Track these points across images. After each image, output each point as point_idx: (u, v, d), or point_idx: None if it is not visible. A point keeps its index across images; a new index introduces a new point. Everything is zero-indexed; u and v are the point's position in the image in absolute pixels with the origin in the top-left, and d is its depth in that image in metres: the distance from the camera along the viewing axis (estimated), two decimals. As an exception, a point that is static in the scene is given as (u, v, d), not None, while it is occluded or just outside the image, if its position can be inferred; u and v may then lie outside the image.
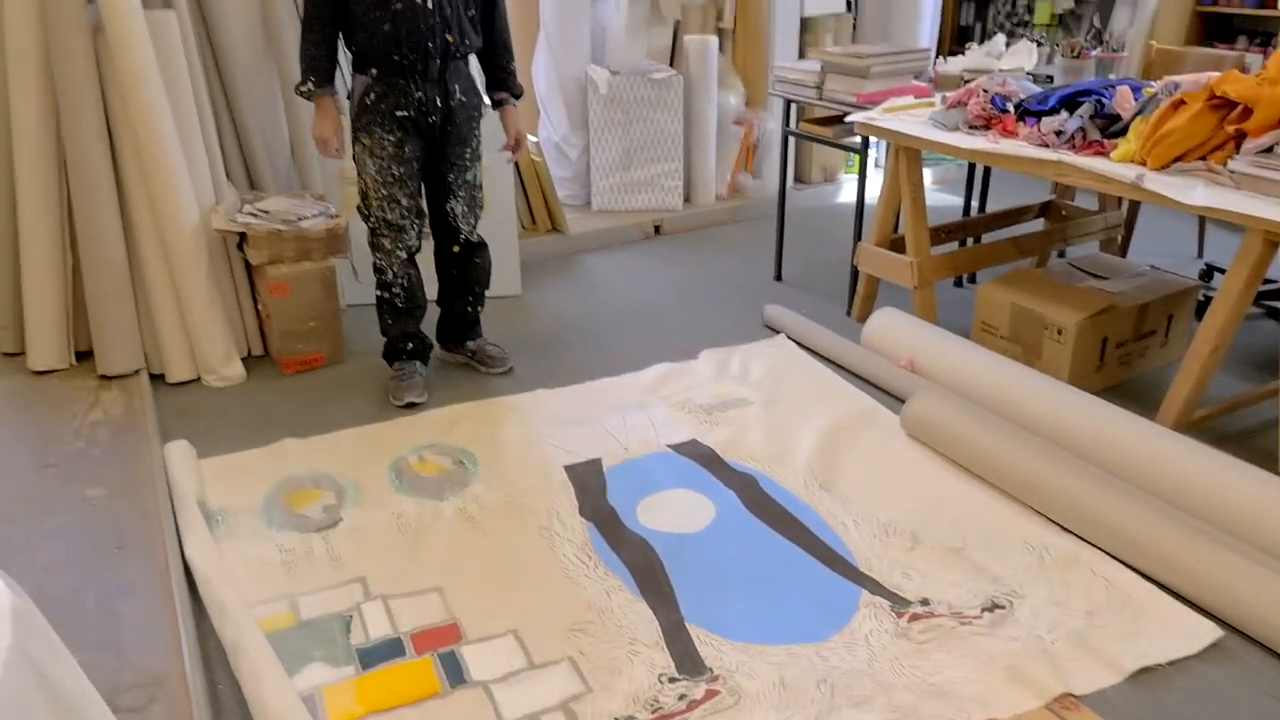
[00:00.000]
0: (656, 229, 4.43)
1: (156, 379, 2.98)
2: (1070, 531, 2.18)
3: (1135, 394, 2.87)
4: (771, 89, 3.73)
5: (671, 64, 4.54)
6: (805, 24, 4.70)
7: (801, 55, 4.64)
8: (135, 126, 2.80)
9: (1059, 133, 2.60)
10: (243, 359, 3.09)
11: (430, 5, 2.54)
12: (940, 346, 2.89)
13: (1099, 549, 2.11)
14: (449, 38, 2.60)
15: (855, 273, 3.44)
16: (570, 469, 2.49)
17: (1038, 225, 3.74)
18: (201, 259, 2.93)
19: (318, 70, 2.62)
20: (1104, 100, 2.59)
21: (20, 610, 0.88)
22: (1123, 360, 2.95)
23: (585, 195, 4.52)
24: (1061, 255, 3.91)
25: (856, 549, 2.17)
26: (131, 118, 2.79)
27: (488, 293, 3.05)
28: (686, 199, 4.59)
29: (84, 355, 3.02)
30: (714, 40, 4.43)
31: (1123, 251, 3.72)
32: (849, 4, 4.96)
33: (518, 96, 2.89)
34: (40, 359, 2.96)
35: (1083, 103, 2.62)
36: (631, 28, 4.39)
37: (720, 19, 4.64)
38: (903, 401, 2.69)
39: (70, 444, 2.57)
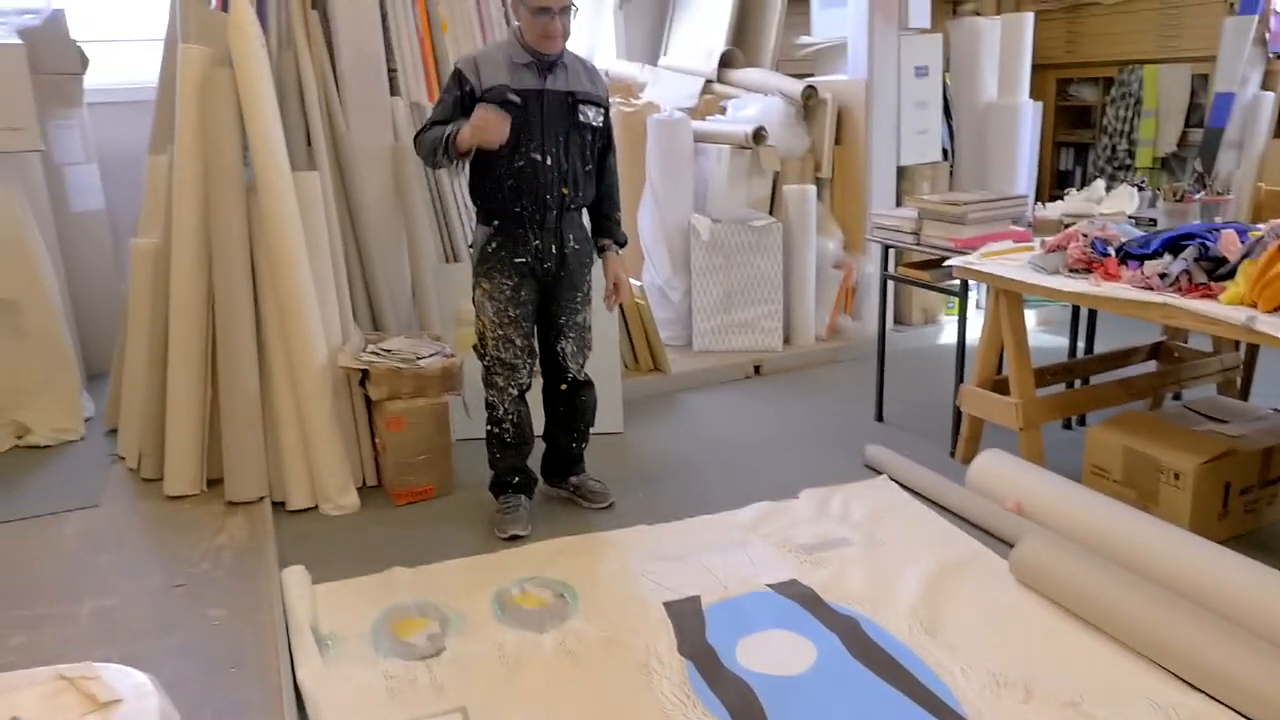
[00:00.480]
0: (756, 369, 4.50)
1: (277, 506, 3.14)
2: (1199, 689, 2.05)
3: (1265, 544, 2.72)
4: (869, 235, 3.83)
5: (771, 212, 4.71)
6: (901, 172, 4.84)
7: (899, 202, 4.75)
8: (277, 273, 3.07)
9: (1163, 275, 2.59)
10: (357, 489, 3.23)
11: (550, 162, 2.76)
12: (1049, 489, 2.82)
13: (1233, 709, 1.98)
14: (564, 191, 2.80)
15: (958, 414, 3.41)
16: (669, 606, 2.49)
17: (1149, 367, 3.66)
18: (327, 394, 3.13)
19: (451, 126, 2.67)
20: (1208, 244, 2.58)
21: (166, 712, 0.96)
22: (1249, 508, 2.81)
23: (687, 336, 4.65)
24: (1177, 398, 3.79)
25: (965, 700, 2.08)
26: (274, 265, 3.07)
27: (591, 430, 3.15)
28: (786, 340, 4.66)
29: (214, 482, 3.21)
30: (812, 189, 4.60)
31: (1243, 394, 3.60)
32: (945, 152, 5.10)
33: (621, 245, 3.05)
34: (176, 485, 3.17)
35: (1186, 246, 2.61)
36: (732, 179, 4.60)
37: (818, 169, 4.83)
38: (1011, 546, 2.62)
39: (198, 565, 2.71)
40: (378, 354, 3.18)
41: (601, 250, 3.03)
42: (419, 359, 3.18)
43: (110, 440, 3.71)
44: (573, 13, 2.71)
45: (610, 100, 2.99)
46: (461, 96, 2.73)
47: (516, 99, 2.70)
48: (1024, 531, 2.64)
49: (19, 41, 3.63)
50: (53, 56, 4.10)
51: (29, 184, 3.83)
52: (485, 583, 2.64)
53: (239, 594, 2.55)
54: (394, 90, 3.61)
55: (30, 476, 3.44)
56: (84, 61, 4.32)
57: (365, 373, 3.17)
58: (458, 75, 2.75)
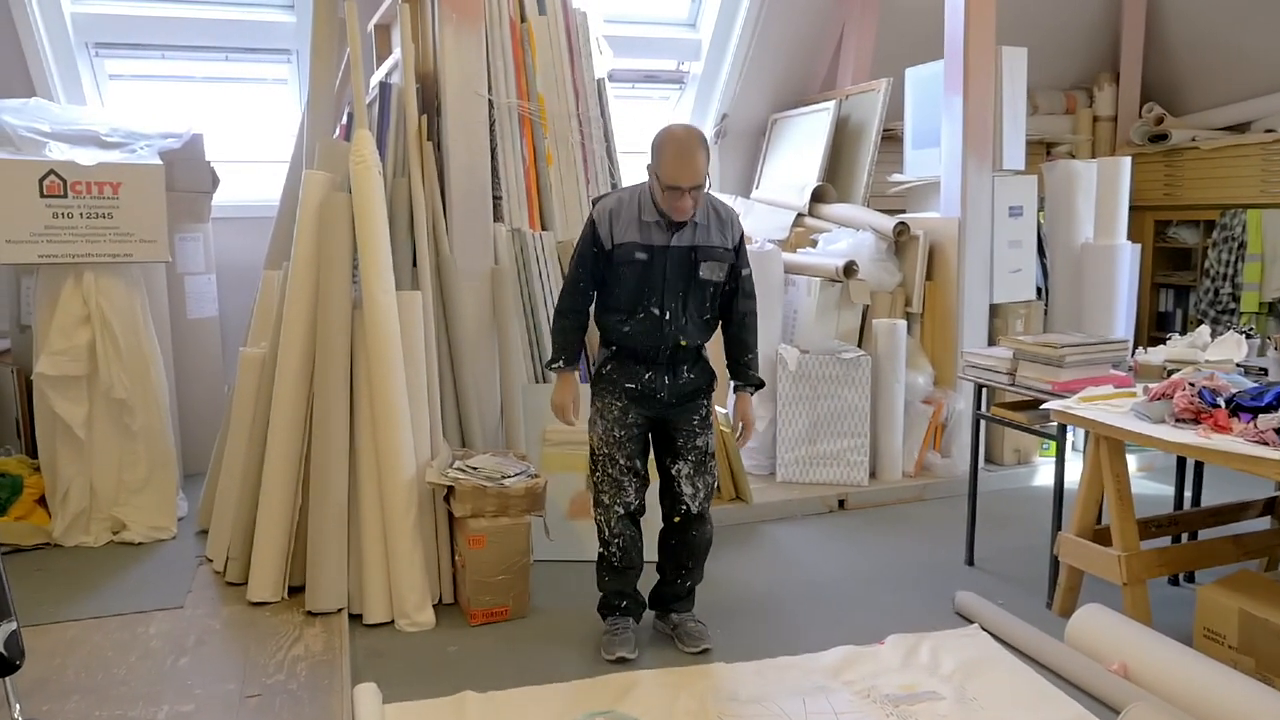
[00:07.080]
0: (841, 503, 4.40)
1: (354, 618, 3.14)
2: None
3: (1406, 730, 2.47)
4: (961, 374, 3.77)
5: (860, 344, 4.69)
6: (994, 310, 4.79)
7: (991, 340, 4.68)
8: (374, 387, 3.16)
9: (1279, 431, 2.47)
10: (433, 605, 3.21)
11: (668, 317, 2.82)
12: (1158, 652, 2.64)
13: None
14: (682, 343, 2.85)
15: (1055, 562, 3.25)
16: (746, 753, 2.38)
17: (1263, 523, 3.45)
18: (412, 509, 3.16)
19: (568, 351, 2.93)
20: (1328, 399, 2.46)
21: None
22: (1385, 687, 2.58)
23: (770, 466, 4.59)
24: (1296, 559, 3.54)
25: None
26: (372, 380, 3.16)
27: (702, 568, 3.04)
28: (872, 474, 4.56)
29: (295, 589, 3.24)
30: (902, 324, 4.57)
31: (1371, 560, 3.35)
32: (1039, 291, 5.03)
33: (757, 387, 3.03)
34: (259, 591, 3.21)
35: (1304, 400, 2.50)
36: (822, 311, 4.62)
37: (909, 304, 4.81)
38: (1115, 711, 2.44)
39: (273, 676, 2.72)
40: (464, 471, 3.22)
41: (738, 389, 3.03)
42: (504, 478, 3.20)
43: (200, 541, 3.80)
44: (707, 186, 2.78)
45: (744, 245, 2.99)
46: (597, 254, 2.84)
47: (644, 256, 2.80)
48: (1131, 697, 2.46)
49: (159, 163, 3.93)
50: (188, 176, 4.43)
51: (153, 291, 4.08)
52: (556, 714, 2.57)
53: (310, 709, 2.53)
54: (498, 217, 3.77)
55: (121, 573, 3.53)
56: (215, 181, 4.64)
57: (451, 489, 3.20)
58: (593, 230, 2.84)
